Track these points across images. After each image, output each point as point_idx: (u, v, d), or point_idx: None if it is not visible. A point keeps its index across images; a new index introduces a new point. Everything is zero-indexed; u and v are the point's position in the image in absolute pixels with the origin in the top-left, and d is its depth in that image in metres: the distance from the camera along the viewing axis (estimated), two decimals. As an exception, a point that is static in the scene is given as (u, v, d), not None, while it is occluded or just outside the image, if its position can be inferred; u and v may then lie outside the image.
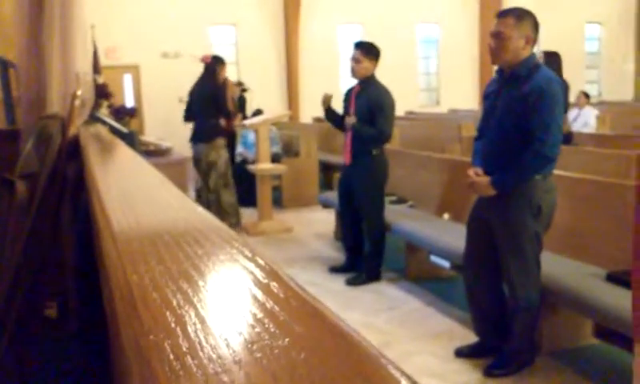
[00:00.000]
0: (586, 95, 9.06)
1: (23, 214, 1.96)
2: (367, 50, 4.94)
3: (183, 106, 7.20)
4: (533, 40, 3.13)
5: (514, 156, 3.08)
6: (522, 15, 3.12)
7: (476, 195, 3.41)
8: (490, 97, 3.32)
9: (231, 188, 6.87)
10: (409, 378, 0.35)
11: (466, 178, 3.34)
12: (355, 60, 4.92)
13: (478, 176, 3.23)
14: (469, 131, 7.90)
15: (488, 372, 3.31)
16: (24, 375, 1.94)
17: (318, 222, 7.26)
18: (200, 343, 0.40)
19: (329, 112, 5.22)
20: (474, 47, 15.93)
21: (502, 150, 3.16)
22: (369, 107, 4.85)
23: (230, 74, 9.69)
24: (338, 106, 5.21)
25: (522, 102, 3.06)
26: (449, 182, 5.28)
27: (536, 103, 3.01)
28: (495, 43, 3.13)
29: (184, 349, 0.40)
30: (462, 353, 3.57)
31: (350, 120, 4.95)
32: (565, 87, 5.53)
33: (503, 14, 3.16)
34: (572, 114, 8.97)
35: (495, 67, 3.32)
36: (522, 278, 3.17)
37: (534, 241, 3.15)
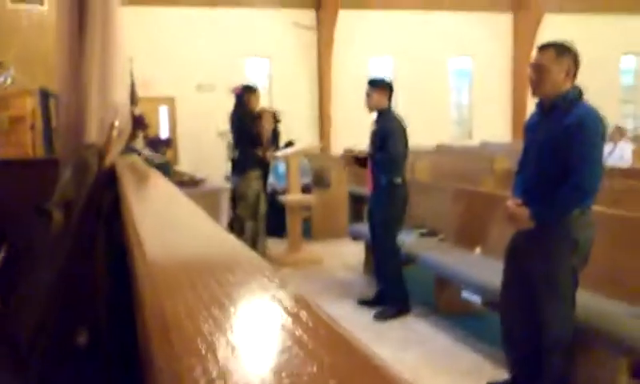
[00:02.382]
0: (622, 129, 8.94)
1: (59, 241, 2.00)
2: (376, 84, 5.21)
3: (222, 140, 7.28)
4: (573, 74, 3.13)
5: (553, 189, 3.06)
6: (564, 49, 3.14)
7: (512, 230, 3.37)
8: (530, 130, 3.32)
9: (259, 220, 6.89)
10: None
11: (503, 211, 3.32)
12: (366, 94, 5.20)
13: (517, 207, 3.20)
14: (501, 164, 7.82)
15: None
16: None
17: (348, 254, 7.24)
18: (230, 370, 0.41)
19: (357, 161, 5.48)
20: (507, 80, 15.85)
21: (541, 183, 3.14)
22: (381, 136, 5.09)
23: (264, 104, 9.82)
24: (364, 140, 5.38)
25: (561, 134, 3.05)
26: (481, 215, 5.23)
27: (575, 136, 3.00)
28: (535, 75, 3.14)
29: (214, 375, 0.40)
30: (493, 390, 3.49)
31: (368, 149, 5.24)
32: None
33: (545, 47, 3.18)
34: (607, 148, 8.84)
35: (536, 100, 3.31)
36: (555, 315, 3.11)
37: (570, 276, 3.10)
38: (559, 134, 3.05)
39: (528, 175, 3.26)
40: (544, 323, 3.16)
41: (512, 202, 3.25)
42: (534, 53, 3.22)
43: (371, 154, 5.19)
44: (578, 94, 3.14)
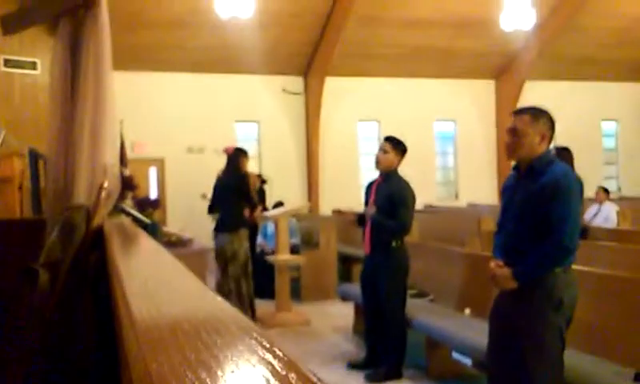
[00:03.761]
0: (606, 191, 9.06)
1: (44, 302, 1.97)
2: (396, 144, 5.09)
3: (205, 202, 7.31)
4: (549, 137, 3.21)
5: (534, 248, 3.08)
6: (538, 113, 3.22)
7: (496, 290, 3.37)
8: (507, 191, 3.37)
9: (250, 279, 6.85)
10: None
11: (487, 272, 3.32)
12: (383, 150, 5.07)
13: (499, 268, 3.21)
14: (488, 225, 7.87)
15: None
16: None
17: (337, 315, 7.16)
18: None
19: (359, 220, 5.32)
20: (492, 143, 16.14)
21: (521, 243, 3.17)
22: (390, 199, 4.93)
23: (253, 167, 9.87)
24: (357, 201, 5.32)
25: (539, 195, 3.10)
26: (469, 276, 5.22)
27: (553, 196, 3.05)
28: (511, 139, 3.21)
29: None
30: None
31: (371, 210, 5.03)
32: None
33: (520, 112, 3.26)
34: (592, 209, 8.93)
35: (512, 163, 3.38)
36: (544, 378, 3.06)
37: (556, 337, 3.08)
38: (537, 194, 3.10)
39: (508, 236, 3.28)
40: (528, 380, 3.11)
41: (494, 263, 3.26)
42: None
43: (373, 216, 5.02)
44: (553, 156, 3.24)
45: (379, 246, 4.98)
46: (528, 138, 3.15)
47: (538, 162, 3.16)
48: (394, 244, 4.94)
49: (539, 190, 3.09)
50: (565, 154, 5.86)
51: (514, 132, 3.19)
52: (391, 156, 5.02)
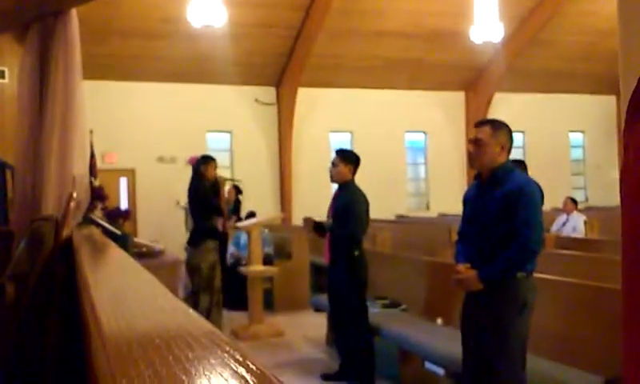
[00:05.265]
0: (574, 201, 9.21)
1: (10, 315, 1.93)
2: (344, 156, 5.20)
3: (179, 210, 7.21)
4: (508, 148, 3.38)
5: (498, 251, 3.21)
6: (498, 125, 3.41)
7: (462, 296, 3.47)
8: (470, 200, 3.52)
9: (213, 293, 6.71)
10: None
11: (452, 275, 3.43)
12: (333, 164, 5.19)
13: (466, 270, 3.32)
14: (460, 236, 7.93)
15: None
16: None
17: (310, 326, 7.15)
18: None
19: (316, 228, 5.38)
20: (462, 154, 16.30)
21: (486, 248, 3.28)
22: (343, 209, 5.05)
23: (226, 176, 9.82)
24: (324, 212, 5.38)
25: (502, 201, 3.24)
26: (441, 285, 5.25)
27: (517, 202, 3.21)
28: (474, 149, 3.38)
29: None
30: None
31: (327, 223, 5.19)
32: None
33: (481, 123, 3.45)
34: (560, 219, 9.08)
35: (464, 174, 3.51)
36: (507, 378, 3.16)
37: (520, 339, 3.19)
38: (500, 202, 3.24)
39: (472, 243, 3.41)
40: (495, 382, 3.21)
41: (462, 266, 3.37)
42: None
43: (330, 226, 5.15)
44: (513, 165, 3.43)
45: (338, 257, 5.08)
46: (489, 147, 3.31)
47: (499, 171, 3.32)
48: (355, 253, 5.00)
49: (503, 198, 3.23)
50: (521, 166, 6.02)
51: (476, 142, 3.35)
52: (341, 168, 5.13)
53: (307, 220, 5.45)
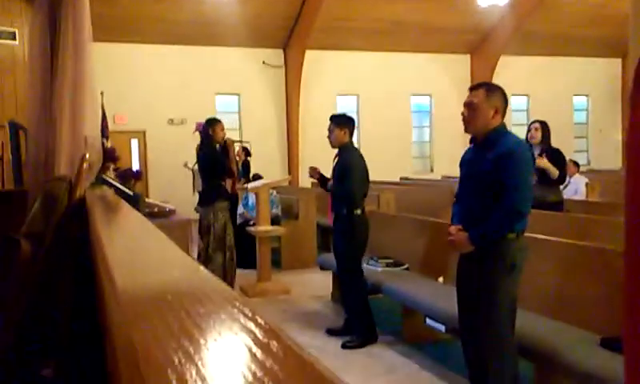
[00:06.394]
0: (576, 164, 9.16)
1: (27, 272, 1.97)
2: (337, 121, 5.30)
3: (187, 171, 7.24)
4: (502, 111, 3.37)
5: (489, 213, 3.25)
6: (492, 88, 3.41)
7: (457, 256, 3.54)
8: (465, 163, 3.55)
9: (227, 251, 6.83)
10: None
11: (445, 237, 3.50)
12: (328, 130, 5.31)
13: (458, 232, 3.38)
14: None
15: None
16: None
17: (316, 284, 7.25)
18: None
19: (320, 180, 5.54)
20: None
21: (478, 209, 3.33)
22: (341, 171, 5.18)
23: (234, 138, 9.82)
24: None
25: (494, 164, 3.25)
26: (442, 245, 5.28)
27: (507, 164, 3.22)
28: (468, 113, 3.39)
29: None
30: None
31: (329, 183, 5.36)
32: (559, 156, 5.70)
33: (475, 87, 3.44)
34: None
35: (468, 136, 3.48)
36: (495, 339, 3.24)
37: (508, 298, 3.25)
38: (493, 164, 3.26)
39: (466, 205, 3.46)
40: (485, 350, 3.28)
41: (453, 228, 3.43)
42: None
43: (330, 187, 5.33)
44: (506, 128, 3.42)
45: (340, 215, 5.20)
46: (483, 111, 3.32)
47: (492, 134, 3.33)
48: (355, 212, 5.10)
49: (495, 161, 3.25)
50: (544, 126, 6.01)
51: (470, 105, 3.36)
52: (337, 132, 5.25)
53: (314, 168, 5.56)
